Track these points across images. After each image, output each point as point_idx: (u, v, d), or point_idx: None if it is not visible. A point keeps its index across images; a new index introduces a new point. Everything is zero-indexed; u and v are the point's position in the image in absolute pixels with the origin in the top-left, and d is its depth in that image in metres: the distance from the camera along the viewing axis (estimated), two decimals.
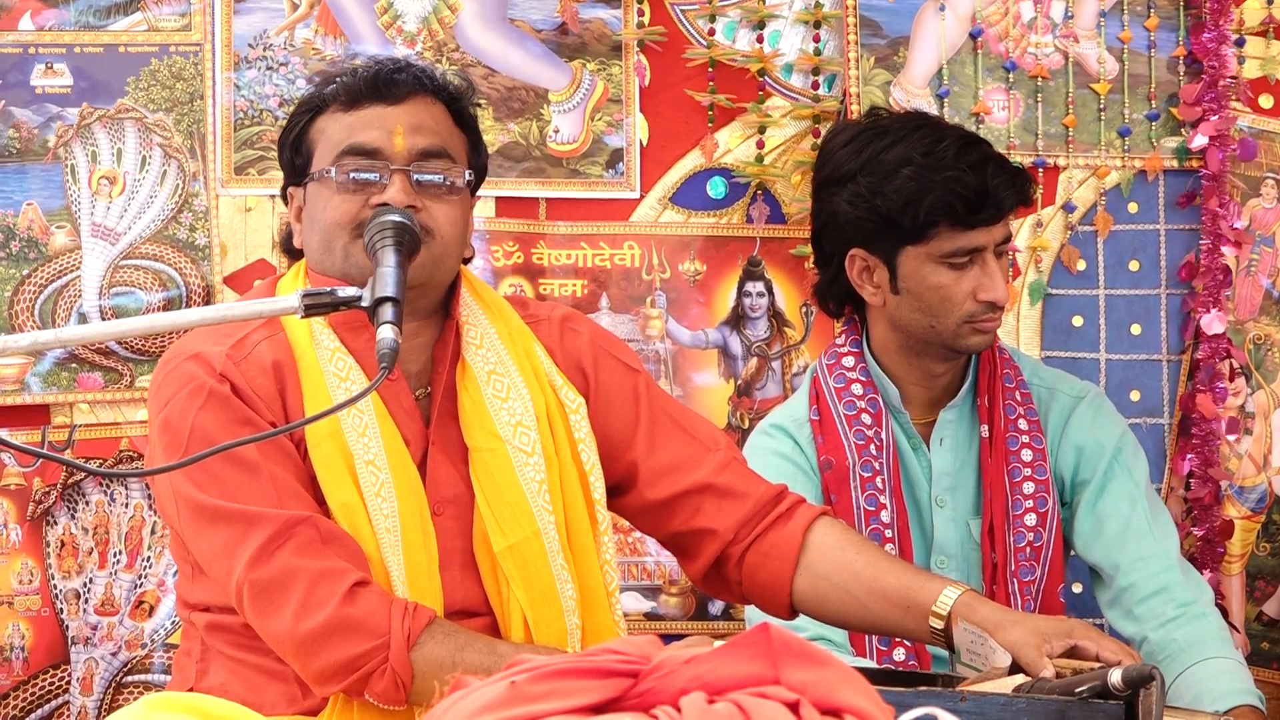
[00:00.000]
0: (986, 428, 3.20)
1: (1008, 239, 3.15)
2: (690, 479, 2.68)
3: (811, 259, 3.68)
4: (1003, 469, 3.19)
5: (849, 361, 3.23)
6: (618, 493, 2.73)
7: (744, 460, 2.78)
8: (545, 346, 2.70)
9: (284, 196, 2.72)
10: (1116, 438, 3.24)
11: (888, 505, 3.14)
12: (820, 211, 3.21)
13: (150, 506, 3.52)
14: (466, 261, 2.70)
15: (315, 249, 2.60)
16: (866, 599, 2.60)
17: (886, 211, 3.08)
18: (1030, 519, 3.18)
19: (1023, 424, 3.21)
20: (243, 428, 2.46)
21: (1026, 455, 3.20)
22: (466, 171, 2.63)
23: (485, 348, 2.62)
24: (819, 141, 3.70)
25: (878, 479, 3.16)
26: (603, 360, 2.73)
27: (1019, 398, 3.23)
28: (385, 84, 2.61)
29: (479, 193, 3.57)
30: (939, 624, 2.52)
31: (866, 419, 3.19)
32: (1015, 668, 2.36)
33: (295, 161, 2.65)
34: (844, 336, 3.28)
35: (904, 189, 3.06)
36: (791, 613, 2.68)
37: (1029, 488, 3.19)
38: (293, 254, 2.71)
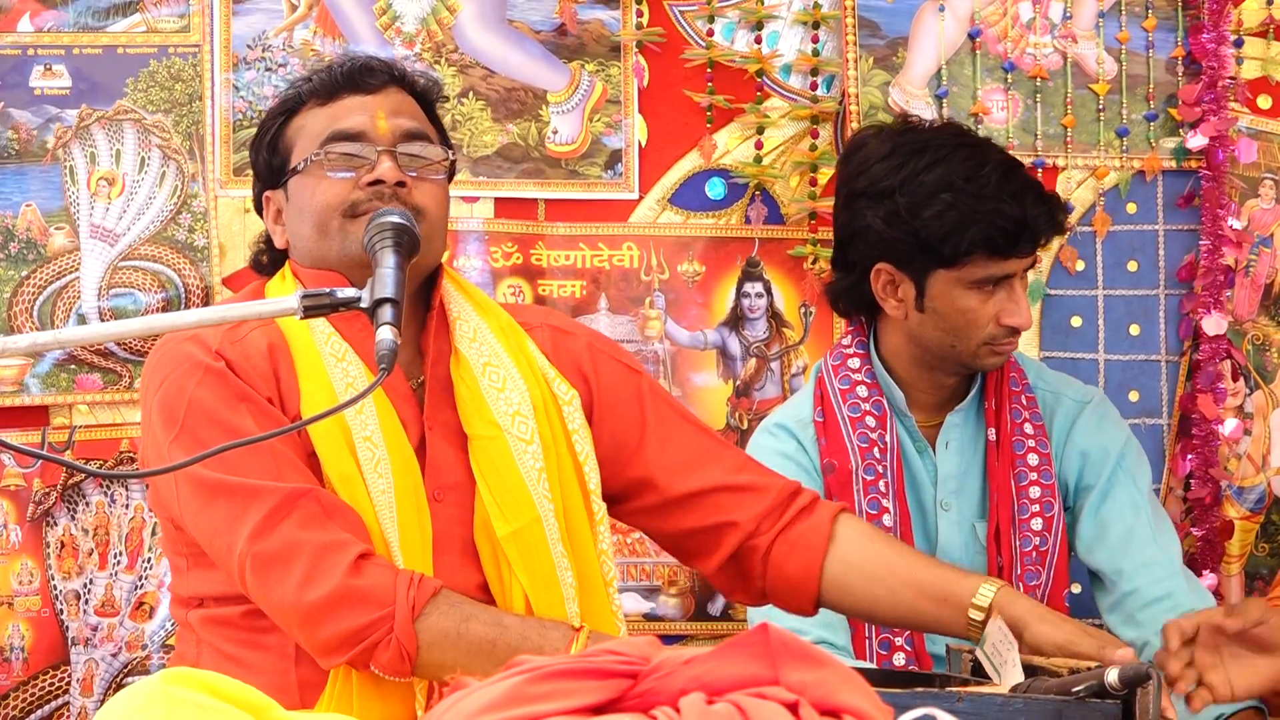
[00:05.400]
0: (993, 431, 3.20)
1: (1034, 263, 3.16)
2: (707, 479, 2.68)
3: (811, 259, 3.69)
4: (1009, 473, 3.19)
5: (854, 363, 3.22)
6: (630, 497, 2.73)
7: (752, 457, 2.79)
8: (540, 350, 2.70)
9: (257, 207, 2.70)
10: (1121, 444, 3.24)
11: (890, 509, 3.14)
12: (850, 221, 3.17)
13: (150, 507, 3.52)
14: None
15: (307, 239, 2.59)
16: (900, 590, 2.60)
17: (925, 236, 3.06)
18: (1036, 523, 3.18)
19: (1028, 428, 3.21)
20: (240, 403, 2.46)
21: (1033, 459, 3.20)
22: (447, 151, 2.65)
23: (479, 341, 2.62)
24: (816, 142, 3.71)
25: (880, 482, 3.16)
26: (603, 363, 2.73)
27: (1024, 402, 3.23)
28: (361, 75, 2.64)
29: (477, 194, 3.63)
30: (979, 616, 2.53)
31: (871, 421, 3.18)
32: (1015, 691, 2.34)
33: (272, 162, 2.65)
34: (850, 338, 3.27)
35: (945, 216, 3.05)
36: (815, 607, 2.68)
37: (1035, 491, 3.19)
38: (264, 272, 2.70)
